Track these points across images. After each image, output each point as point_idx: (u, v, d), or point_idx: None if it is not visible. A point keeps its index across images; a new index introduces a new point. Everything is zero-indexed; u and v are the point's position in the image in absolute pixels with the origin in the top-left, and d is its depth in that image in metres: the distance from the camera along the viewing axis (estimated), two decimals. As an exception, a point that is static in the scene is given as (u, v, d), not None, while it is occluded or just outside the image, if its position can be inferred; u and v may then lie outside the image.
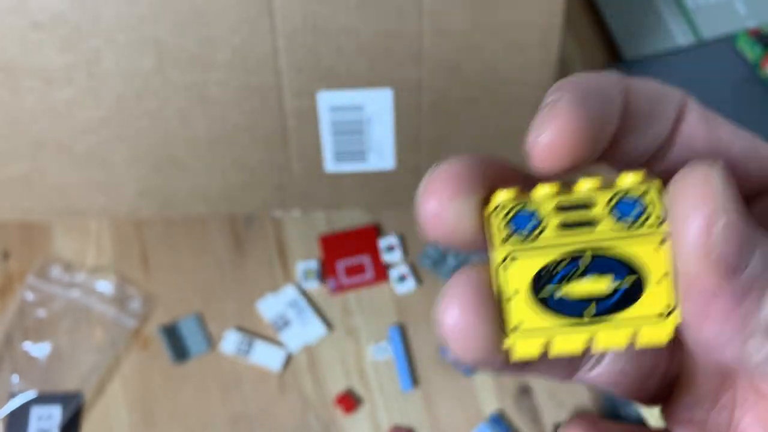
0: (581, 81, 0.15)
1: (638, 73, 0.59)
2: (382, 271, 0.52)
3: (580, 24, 0.64)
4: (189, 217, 0.53)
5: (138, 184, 0.45)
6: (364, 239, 0.53)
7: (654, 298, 0.14)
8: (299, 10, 0.39)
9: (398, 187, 0.46)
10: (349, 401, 0.48)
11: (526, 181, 0.15)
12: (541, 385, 0.49)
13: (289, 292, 0.52)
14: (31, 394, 0.48)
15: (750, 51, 0.59)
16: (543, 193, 0.15)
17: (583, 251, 0.14)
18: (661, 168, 0.16)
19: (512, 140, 0.42)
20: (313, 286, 0.52)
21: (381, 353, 0.49)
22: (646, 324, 0.14)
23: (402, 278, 0.51)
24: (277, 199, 0.46)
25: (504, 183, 0.15)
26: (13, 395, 0.48)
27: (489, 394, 0.49)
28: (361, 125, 0.43)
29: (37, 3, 0.39)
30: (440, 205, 0.14)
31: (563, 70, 0.61)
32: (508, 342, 0.14)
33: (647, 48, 0.60)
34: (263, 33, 0.40)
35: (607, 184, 0.15)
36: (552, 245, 0.14)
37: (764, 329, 0.13)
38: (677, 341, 0.16)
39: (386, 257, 0.52)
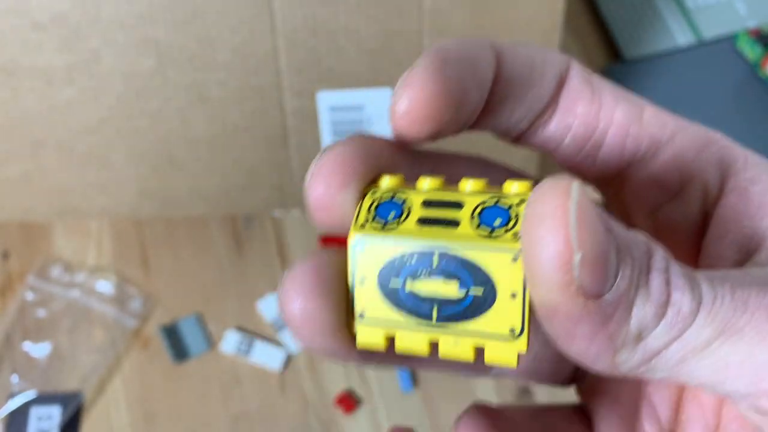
0: (444, 47, 0.14)
1: (639, 73, 0.59)
2: (382, 271, 0.52)
3: (580, 24, 0.64)
4: (189, 217, 0.53)
5: (138, 183, 0.45)
6: (364, 239, 0.53)
7: (502, 314, 0.13)
8: (299, 10, 0.39)
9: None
10: (349, 401, 0.48)
11: (418, 163, 0.15)
12: (541, 385, 0.49)
13: (289, 292, 0.52)
14: (31, 394, 0.48)
15: (750, 51, 0.59)
16: (422, 186, 0.14)
17: (433, 251, 0.13)
18: (544, 135, 0.16)
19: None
20: (313, 286, 0.52)
21: (381, 353, 0.49)
22: (492, 340, 0.13)
23: (402, 278, 0.51)
24: (277, 199, 0.46)
25: (393, 166, 0.15)
26: (12, 395, 0.48)
27: (489, 394, 0.49)
28: (362, 125, 0.43)
29: (37, 3, 0.39)
30: (326, 193, 0.14)
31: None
32: (353, 328, 0.14)
33: (647, 48, 0.60)
34: (263, 33, 0.40)
35: (491, 190, 0.14)
36: (407, 238, 0.14)
37: (632, 342, 0.13)
38: None
39: (386, 257, 0.52)
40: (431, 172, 0.15)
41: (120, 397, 0.49)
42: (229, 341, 0.50)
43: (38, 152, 0.44)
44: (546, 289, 0.12)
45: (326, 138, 0.43)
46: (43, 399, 0.48)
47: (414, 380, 0.49)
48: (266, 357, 0.49)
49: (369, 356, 0.15)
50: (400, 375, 0.49)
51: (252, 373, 0.49)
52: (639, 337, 0.13)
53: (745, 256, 0.15)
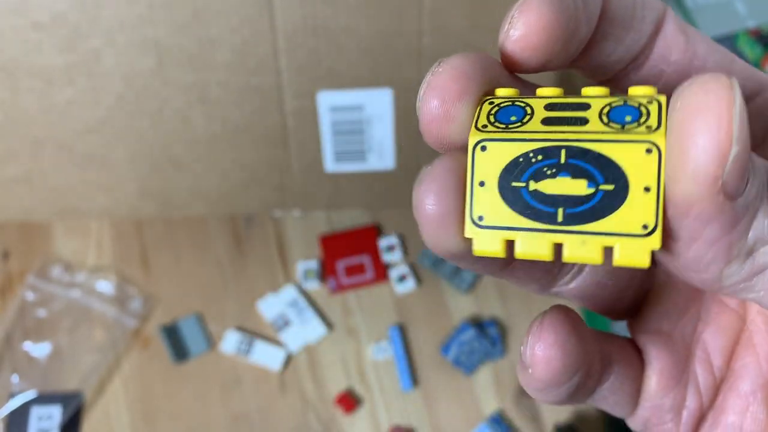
0: None
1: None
2: (382, 271, 0.52)
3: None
4: (189, 217, 0.53)
5: (138, 184, 0.45)
6: (364, 239, 0.53)
7: (634, 210, 0.12)
8: (299, 10, 0.39)
9: (398, 187, 0.46)
10: (349, 401, 0.48)
11: (527, 86, 0.15)
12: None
13: (289, 292, 0.51)
14: (31, 394, 0.48)
15: (750, 51, 0.59)
16: (543, 93, 0.14)
17: (561, 147, 0.13)
18: (637, 78, 0.16)
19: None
20: (313, 286, 0.52)
21: (381, 353, 0.49)
22: (621, 240, 0.12)
23: (402, 278, 0.51)
24: (277, 199, 0.46)
25: (507, 85, 0.14)
26: (13, 395, 0.48)
27: (489, 394, 0.49)
28: (361, 125, 0.43)
29: (37, 3, 0.39)
30: (445, 104, 0.14)
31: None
32: (468, 233, 0.13)
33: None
34: (263, 33, 0.40)
35: (614, 95, 0.13)
36: (530, 138, 0.13)
37: (746, 254, 0.13)
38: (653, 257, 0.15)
39: (386, 257, 0.52)
40: (525, 87, 0.15)
41: (120, 397, 0.49)
42: (229, 341, 0.50)
43: (38, 152, 0.44)
44: (692, 182, 0.12)
45: (326, 138, 0.43)
46: (43, 399, 0.48)
47: (414, 380, 0.49)
48: (266, 357, 0.49)
49: (496, 267, 0.15)
50: (400, 375, 0.49)
51: (252, 373, 0.49)
52: (751, 250, 0.13)
53: None
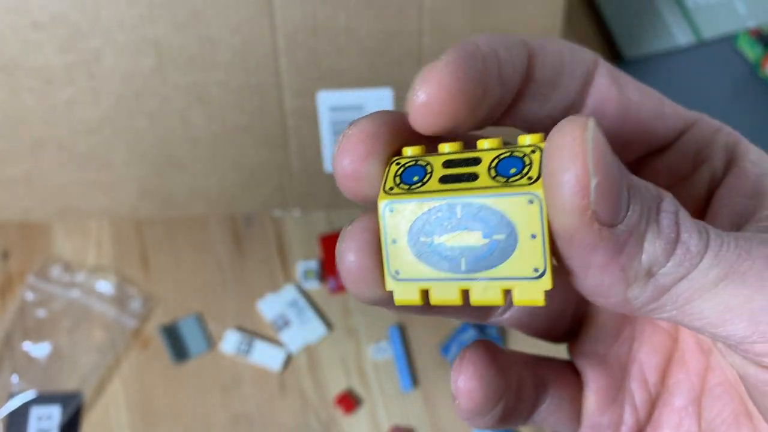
0: (472, 42, 0.15)
1: (639, 73, 0.59)
2: (382, 271, 0.52)
3: (580, 23, 0.64)
4: (189, 217, 0.53)
5: (138, 183, 0.45)
6: (364, 239, 0.53)
7: (525, 256, 0.14)
8: (299, 9, 0.39)
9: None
10: (349, 401, 0.48)
11: (438, 138, 0.16)
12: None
13: (289, 292, 0.52)
14: (31, 394, 0.48)
15: (750, 51, 0.59)
16: (443, 149, 0.15)
17: (455, 204, 0.14)
18: None
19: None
20: (313, 285, 0.52)
21: (381, 353, 0.49)
22: (518, 283, 0.14)
23: (402, 278, 0.51)
24: (277, 199, 0.46)
25: (415, 140, 0.15)
26: (12, 395, 0.48)
27: (489, 394, 0.49)
28: (361, 125, 0.43)
29: (37, 3, 0.39)
30: (353, 164, 0.15)
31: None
32: (388, 286, 0.15)
33: (648, 48, 0.60)
34: (263, 33, 0.40)
35: (506, 145, 0.15)
36: (429, 197, 0.14)
37: (644, 276, 0.14)
38: None
39: (386, 257, 0.52)
40: (433, 141, 0.16)
41: (120, 397, 0.49)
42: (229, 341, 0.50)
43: (38, 152, 0.44)
44: (565, 214, 0.13)
45: (326, 138, 0.43)
46: (43, 399, 0.48)
47: (414, 380, 0.49)
48: (266, 357, 0.49)
49: (407, 308, 0.16)
50: (400, 375, 0.49)
51: (252, 373, 0.49)
52: (650, 273, 0.14)
53: (736, 229, 0.16)
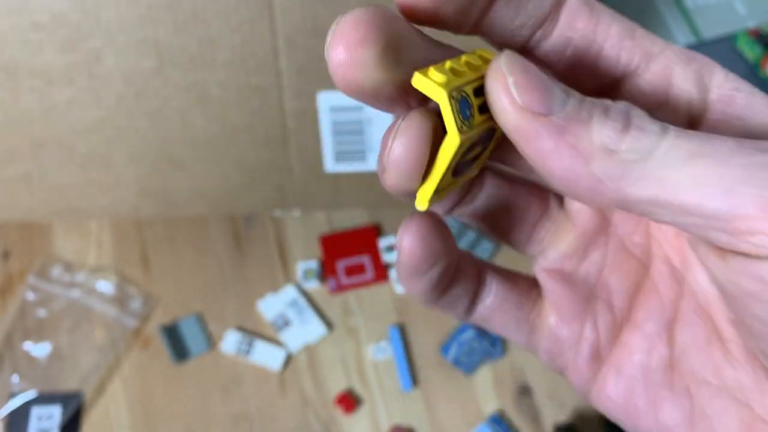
0: None
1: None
2: (382, 271, 0.52)
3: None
4: (189, 217, 0.53)
5: (138, 184, 0.45)
6: (364, 239, 0.53)
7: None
8: (299, 10, 0.39)
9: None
10: (349, 401, 0.48)
11: (426, 40, 0.17)
12: (541, 385, 0.49)
13: (289, 292, 0.52)
14: (31, 394, 0.48)
15: (750, 51, 0.59)
16: (457, 69, 0.17)
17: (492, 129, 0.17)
18: (546, 47, 0.18)
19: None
20: (313, 285, 0.52)
21: (381, 353, 0.49)
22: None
23: (402, 278, 0.51)
24: (278, 199, 0.46)
25: (407, 34, 0.16)
26: (13, 395, 0.48)
27: (489, 394, 0.49)
28: (361, 125, 0.44)
29: (37, 3, 0.39)
30: (348, 49, 0.15)
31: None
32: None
33: (647, 48, 0.60)
34: (263, 33, 0.40)
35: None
36: (477, 128, 0.17)
37: (602, 152, 0.15)
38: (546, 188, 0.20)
39: (386, 257, 0.52)
40: (425, 42, 0.17)
41: (120, 397, 0.49)
42: (229, 341, 0.50)
43: (38, 152, 0.44)
44: (502, 113, 0.15)
45: (326, 138, 0.43)
46: (43, 399, 0.48)
47: (414, 380, 0.49)
48: (266, 357, 0.49)
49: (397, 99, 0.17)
50: (400, 375, 0.49)
51: (252, 373, 0.49)
52: (607, 149, 0.15)
53: None
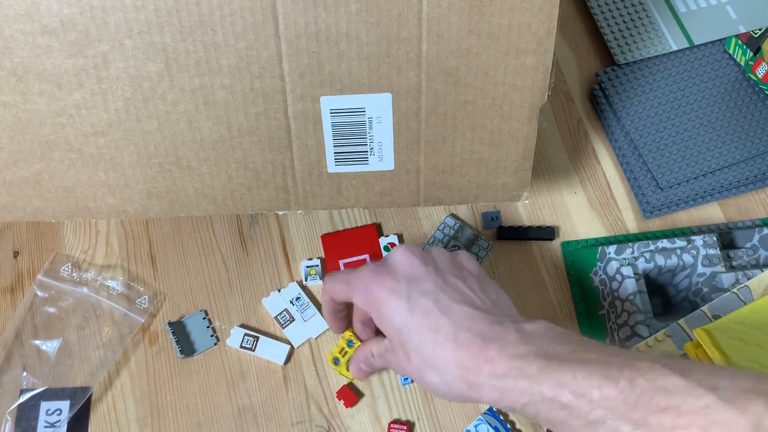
0: (330, 298, 0.46)
1: (633, 76, 0.60)
2: (382, 269, 0.52)
3: (575, 30, 0.64)
4: (195, 217, 0.54)
5: (146, 185, 0.46)
6: (365, 238, 0.53)
7: None
8: (302, 16, 0.40)
9: (398, 188, 0.47)
10: (350, 395, 0.49)
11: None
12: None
13: (292, 289, 0.52)
14: (40, 389, 0.49)
15: (740, 54, 0.60)
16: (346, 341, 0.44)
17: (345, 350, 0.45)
18: None
19: (507, 141, 0.43)
20: (315, 283, 0.52)
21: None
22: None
23: (402, 276, 0.52)
24: (281, 199, 0.47)
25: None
26: (23, 390, 0.49)
27: (486, 388, 0.49)
28: (363, 128, 0.44)
29: (47, 9, 0.39)
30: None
31: (559, 74, 0.62)
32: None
33: (640, 53, 0.61)
34: (267, 39, 0.40)
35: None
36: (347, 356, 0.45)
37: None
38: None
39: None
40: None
41: (127, 392, 0.49)
42: (235, 337, 0.50)
43: (48, 154, 0.45)
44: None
45: (328, 140, 0.44)
46: (52, 394, 0.48)
47: (413, 375, 0.50)
48: (270, 352, 0.50)
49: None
50: (400, 370, 0.50)
51: (257, 368, 0.50)
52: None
53: None
